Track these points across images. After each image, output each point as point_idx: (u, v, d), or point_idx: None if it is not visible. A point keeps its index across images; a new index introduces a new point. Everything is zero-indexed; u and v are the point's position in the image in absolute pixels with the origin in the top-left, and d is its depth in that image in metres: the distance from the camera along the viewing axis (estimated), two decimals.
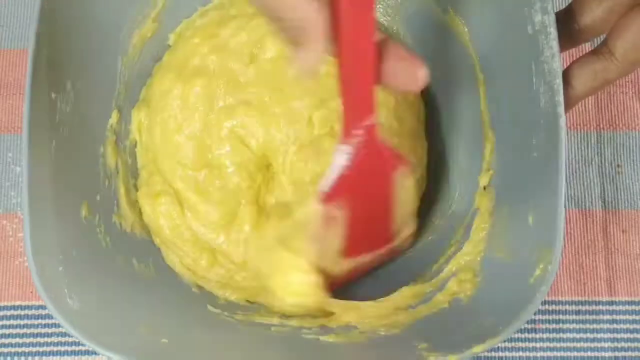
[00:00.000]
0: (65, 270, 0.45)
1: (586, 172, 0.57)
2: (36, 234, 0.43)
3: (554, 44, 0.43)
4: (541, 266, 0.43)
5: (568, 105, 0.43)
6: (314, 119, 0.53)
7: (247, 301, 0.52)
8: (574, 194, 0.56)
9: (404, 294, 0.50)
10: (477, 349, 0.43)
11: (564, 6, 0.45)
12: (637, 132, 0.57)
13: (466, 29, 0.51)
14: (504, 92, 0.48)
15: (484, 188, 0.50)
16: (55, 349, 0.54)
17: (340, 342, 0.47)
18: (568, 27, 0.44)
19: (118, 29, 0.52)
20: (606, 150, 0.57)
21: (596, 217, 0.56)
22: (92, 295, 0.45)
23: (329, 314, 0.50)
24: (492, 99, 0.50)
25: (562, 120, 0.43)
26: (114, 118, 0.52)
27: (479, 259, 0.49)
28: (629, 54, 0.42)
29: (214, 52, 0.55)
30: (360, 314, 0.49)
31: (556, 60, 0.43)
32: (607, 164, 0.57)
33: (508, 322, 0.42)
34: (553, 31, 0.43)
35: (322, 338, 0.48)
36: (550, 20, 0.43)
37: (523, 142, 0.46)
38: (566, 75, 0.43)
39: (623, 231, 0.56)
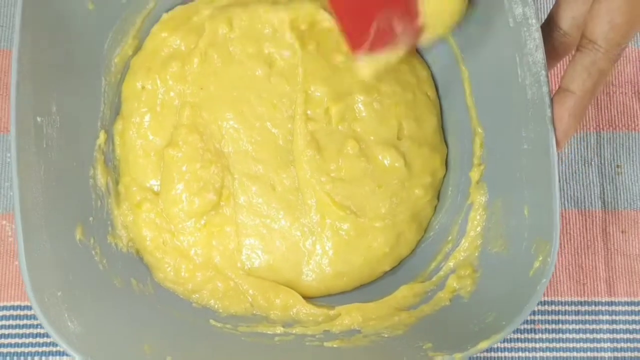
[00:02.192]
0: (64, 294, 0.44)
1: (586, 172, 0.57)
2: (32, 260, 0.43)
3: (537, 35, 0.43)
4: (540, 258, 0.43)
5: (577, 116, 0.42)
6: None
7: (252, 313, 0.52)
8: (574, 194, 0.56)
9: (404, 293, 0.50)
10: (483, 345, 0.42)
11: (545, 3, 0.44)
12: (636, 132, 0.57)
13: None
14: (490, 86, 0.48)
15: (477, 182, 0.50)
16: (55, 349, 0.54)
17: (344, 347, 0.47)
18: (551, 36, 0.44)
19: (100, 47, 0.52)
20: (606, 150, 0.57)
21: (596, 217, 0.56)
22: (93, 318, 0.45)
23: (333, 317, 0.50)
24: (478, 93, 0.50)
25: (551, 111, 0.43)
26: (101, 139, 0.52)
27: (477, 254, 0.48)
28: (609, 36, 0.40)
29: (187, 36, 0.54)
30: (363, 315, 0.49)
31: (540, 51, 0.43)
32: (606, 165, 0.57)
33: (510, 316, 0.42)
34: (535, 22, 0.43)
35: (326, 344, 0.48)
36: (531, 12, 0.43)
37: (512, 135, 0.46)
38: (563, 84, 0.42)
39: (622, 231, 0.56)
